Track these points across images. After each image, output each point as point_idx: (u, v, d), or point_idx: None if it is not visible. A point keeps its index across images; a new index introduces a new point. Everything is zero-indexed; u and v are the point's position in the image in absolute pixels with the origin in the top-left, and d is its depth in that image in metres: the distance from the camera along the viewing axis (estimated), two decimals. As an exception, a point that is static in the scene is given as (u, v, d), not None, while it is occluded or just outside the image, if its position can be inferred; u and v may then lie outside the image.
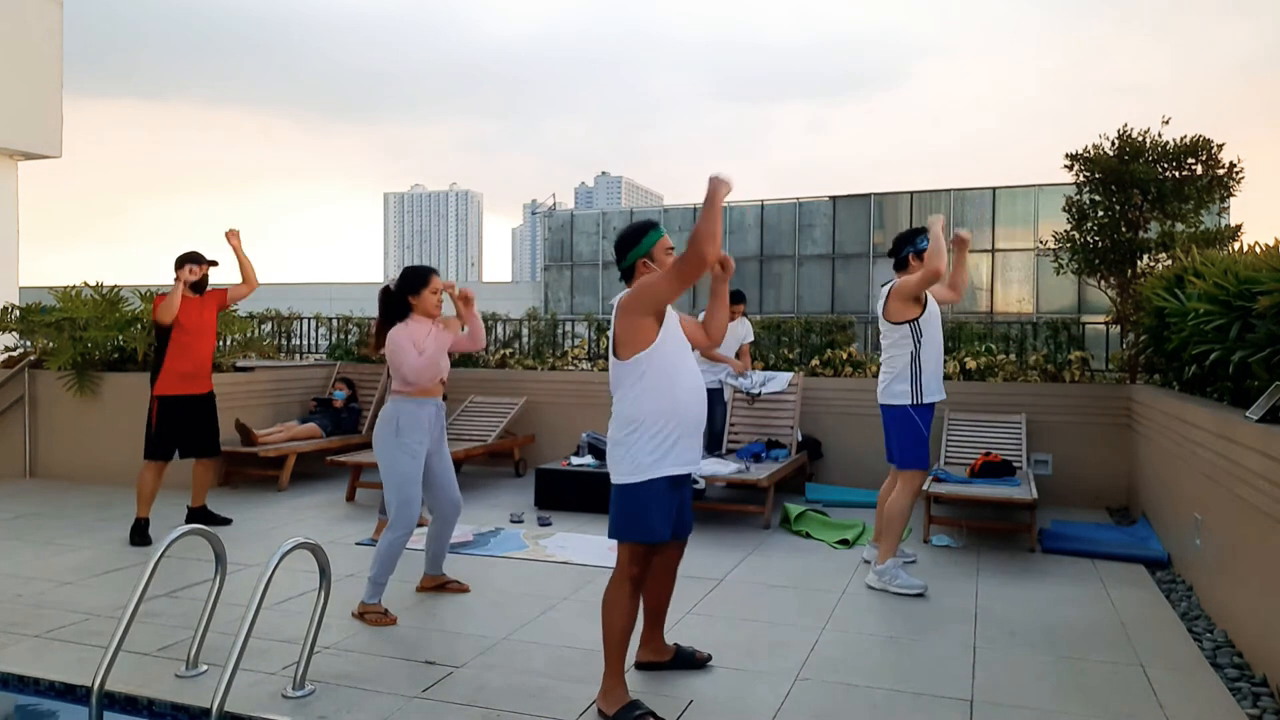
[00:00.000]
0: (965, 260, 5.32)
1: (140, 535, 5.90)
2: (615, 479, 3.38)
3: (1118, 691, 3.57)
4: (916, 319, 4.99)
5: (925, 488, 6.22)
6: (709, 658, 3.80)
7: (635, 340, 3.30)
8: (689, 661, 3.76)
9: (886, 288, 5.18)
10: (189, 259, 6.17)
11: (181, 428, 6.15)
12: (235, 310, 8.16)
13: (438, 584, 4.82)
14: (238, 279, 6.37)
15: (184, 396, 6.12)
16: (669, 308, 3.38)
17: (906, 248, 5.13)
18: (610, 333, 3.42)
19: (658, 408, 3.29)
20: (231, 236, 6.24)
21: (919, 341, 4.98)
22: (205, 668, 3.62)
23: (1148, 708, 3.42)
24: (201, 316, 6.19)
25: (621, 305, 3.34)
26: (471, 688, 3.53)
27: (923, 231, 5.12)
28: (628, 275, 3.45)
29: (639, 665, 3.76)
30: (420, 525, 6.32)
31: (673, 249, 3.46)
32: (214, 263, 6.27)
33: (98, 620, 4.28)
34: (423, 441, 4.43)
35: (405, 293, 4.53)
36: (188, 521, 6.27)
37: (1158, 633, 4.25)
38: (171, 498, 6.89)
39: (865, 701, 3.46)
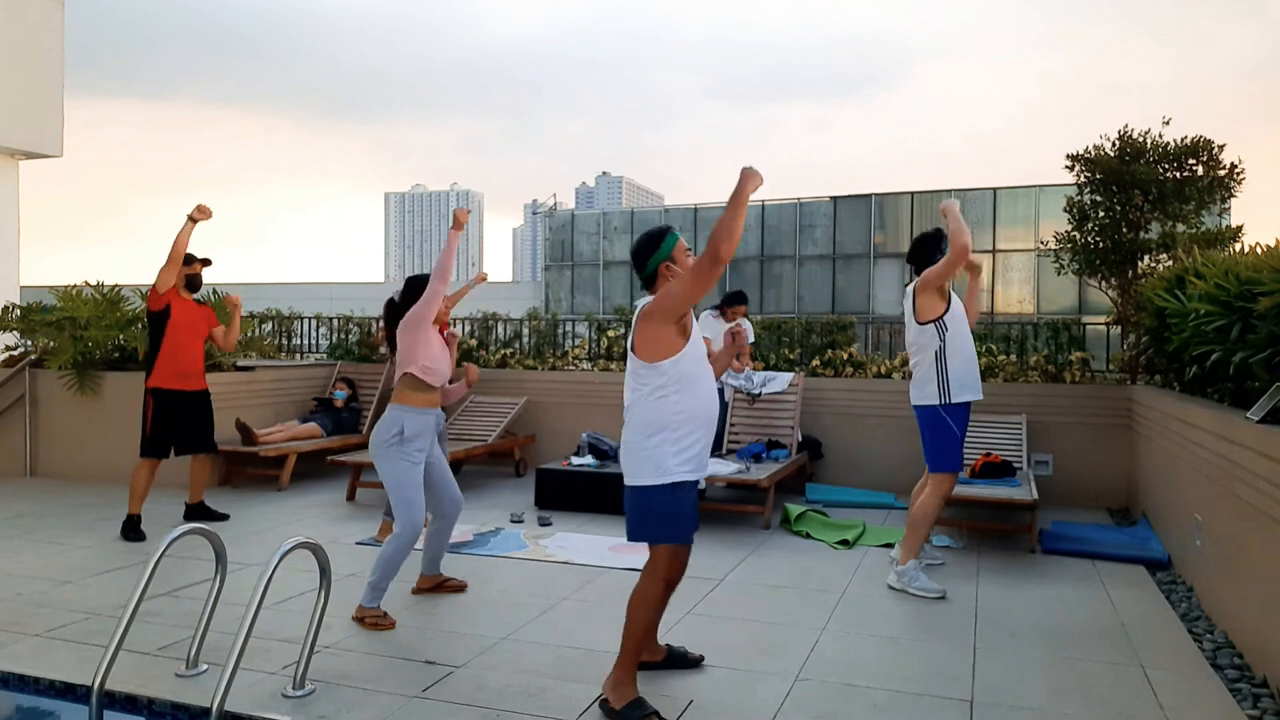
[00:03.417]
0: (977, 289, 5.34)
1: (133, 531, 5.92)
2: (637, 481, 3.36)
3: (1117, 691, 3.57)
4: (941, 317, 4.94)
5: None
6: (701, 659, 3.80)
7: (658, 349, 3.31)
8: (681, 661, 3.77)
9: (912, 286, 5.12)
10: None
11: (177, 424, 6.17)
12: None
13: (435, 584, 4.80)
14: (225, 326, 6.51)
15: (178, 392, 6.15)
16: (691, 317, 3.41)
17: (936, 255, 5.05)
18: (630, 337, 3.42)
19: (680, 413, 3.31)
20: (235, 306, 6.50)
21: (944, 338, 4.94)
22: (205, 667, 3.63)
23: (1148, 708, 3.42)
24: (194, 319, 6.24)
25: (645, 313, 3.35)
26: (471, 688, 3.53)
27: (945, 236, 5.07)
28: (649, 282, 3.47)
29: None
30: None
31: (690, 250, 3.50)
32: (207, 261, 6.32)
33: (98, 619, 4.28)
34: (423, 449, 4.41)
35: (413, 301, 4.52)
36: (185, 518, 6.30)
37: (1158, 633, 4.25)
38: (170, 495, 6.90)
39: (865, 702, 3.46)
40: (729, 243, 3.09)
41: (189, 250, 6.18)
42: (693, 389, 3.33)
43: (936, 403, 4.96)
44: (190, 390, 6.23)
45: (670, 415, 3.31)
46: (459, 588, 4.82)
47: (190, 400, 6.23)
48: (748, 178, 3.18)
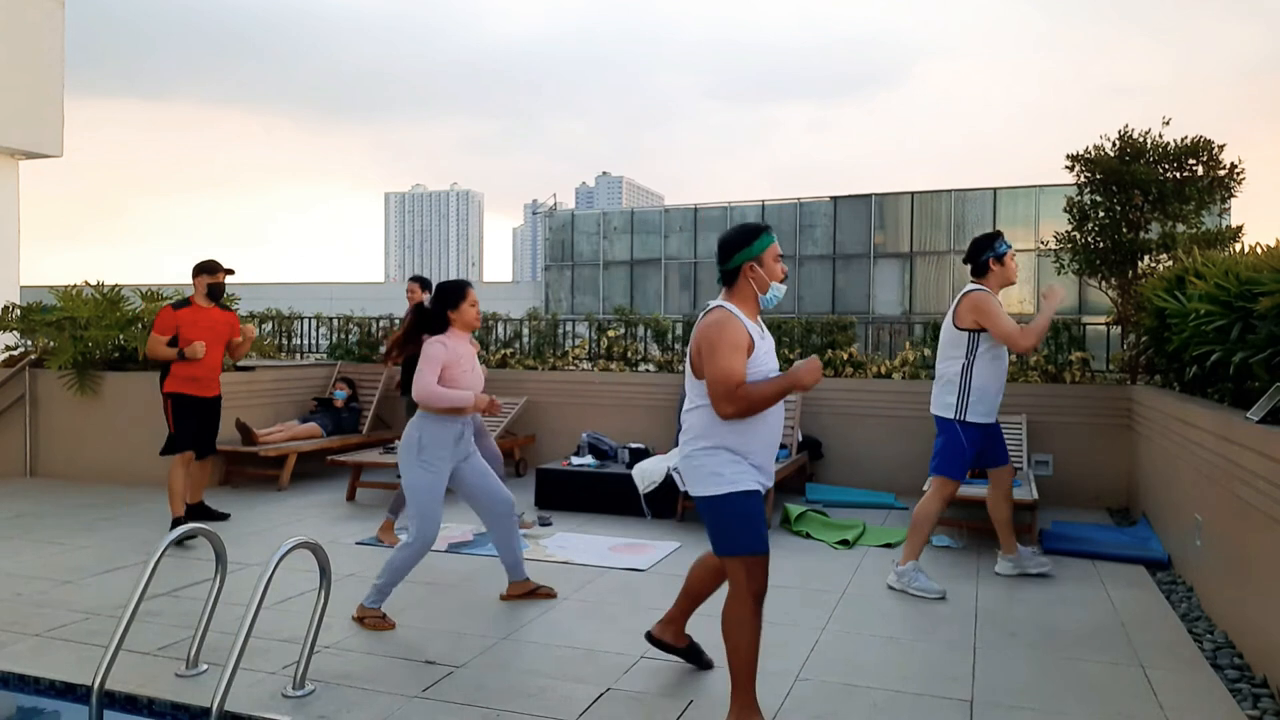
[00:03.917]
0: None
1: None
2: (696, 492, 3.22)
3: (1118, 691, 3.57)
4: (976, 330, 4.90)
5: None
6: (712, 664, 3.75)
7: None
8: (696, 658, 3.75)
9: (965, 292, 5.01)
10: (205, 269, 6.26)
11: (193, 427, 6.16)
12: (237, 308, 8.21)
13: (525, 590, 4.68)
14: (239, 340, 6.52)
15: (193, 397, 6.14)
16: (754, 331, 3.19)
17: (986, 253, 5.00)
18: (689, 350, 3.24)
19: (735, 422, 3.15)
20: (248, 339, 6.51)
21: (974, 353, 4.90)
22: (205, 667, 3.63)
23: (1148, 708, 3.42)
24: (214, 326, 6.23)
25: (703, 348, 3.15)
26: (471, 688, 3.54)
27: (1000, 236, 5.05)
28: (729, 277, 3.25)
29: (651, 638, 3.75)
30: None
31: (782, 255, 3.31)
32: (230, 270, 6.34)
33: (98, 619, 4.28)
34: (443, 458, 4.31)
35: (444, 308, 4.42)
36: (187, 518, 6.28)
37: (1158, 633, 4.25)
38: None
39: (865, 702, 3.46)
40: (749, 410, 3.08)
41: (214, 259, 6.33)
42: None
43: (952, 416, 4.95)
44: (204, 396, 6.20)
45: (725, 424, 3.16)
46: (549, 594, 4.71)
47: (203, 405, 6.21)
48: (804, 376, 3.09)
